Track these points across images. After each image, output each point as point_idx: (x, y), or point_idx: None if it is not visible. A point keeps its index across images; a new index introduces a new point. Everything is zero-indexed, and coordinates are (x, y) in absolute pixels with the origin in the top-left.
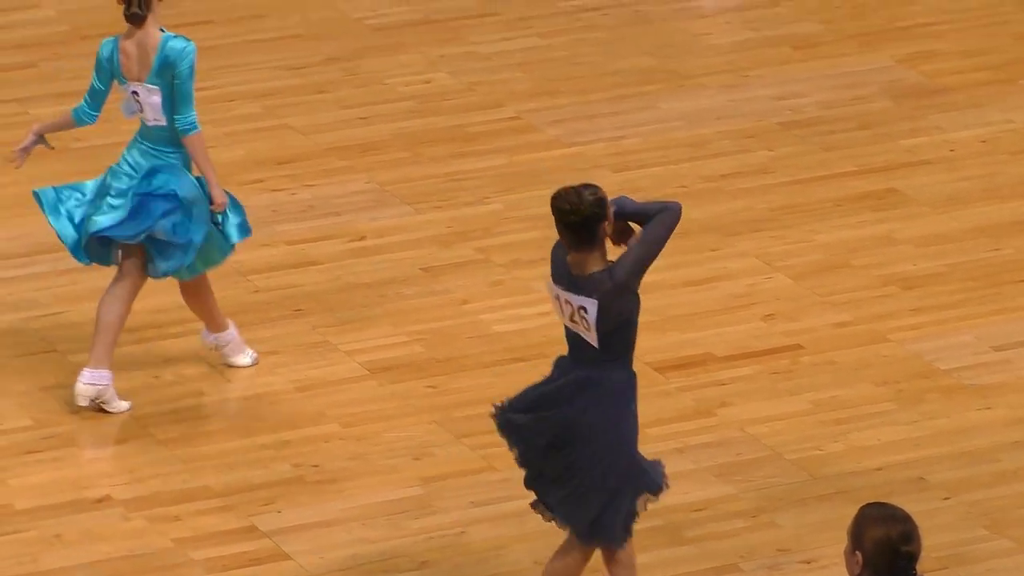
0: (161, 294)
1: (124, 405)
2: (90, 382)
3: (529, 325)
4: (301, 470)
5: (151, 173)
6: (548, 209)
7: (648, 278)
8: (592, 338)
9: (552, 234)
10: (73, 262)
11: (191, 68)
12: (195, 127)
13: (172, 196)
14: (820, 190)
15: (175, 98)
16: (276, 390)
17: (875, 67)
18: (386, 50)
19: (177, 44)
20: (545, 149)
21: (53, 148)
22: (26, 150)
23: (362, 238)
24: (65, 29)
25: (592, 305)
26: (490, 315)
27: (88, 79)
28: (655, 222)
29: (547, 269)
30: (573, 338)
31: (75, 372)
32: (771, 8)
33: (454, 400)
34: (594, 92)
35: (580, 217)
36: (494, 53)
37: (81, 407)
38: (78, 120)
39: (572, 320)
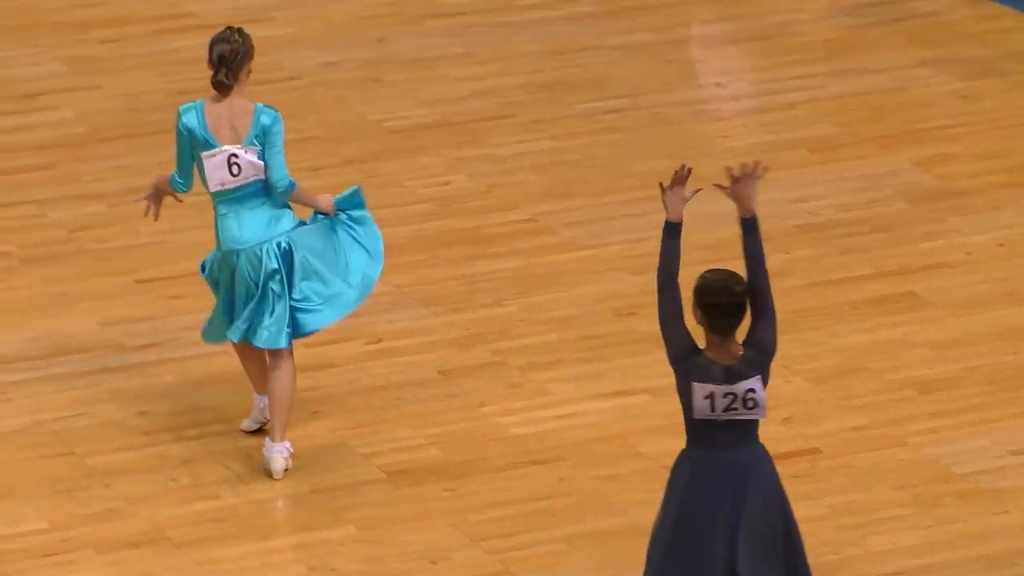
0: (176, 397)
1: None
2: (285, 454)
3: (546, 428)
4: (317, 573)
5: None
6: (564, 311)
7: (666, 379)
8: (760, 411)
9: (568, 336)
10: (89, 365)
11: (282, 134)
12: (292, 181)
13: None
14: (837, 293)
15: (271, 160)
16: (293, 492)
17: (892, 170)
18: (404, 152)
19: (271, 113)
20: (562, 251)
21: (181, 201)
22: (150, 198)
23: (379, 340)
24: (83, 131)
25: (758, 383)
26: (507, 418)
27: (105, 181)
28: (768, 291)
29: (563, 371)
30: (721, 426)
31: (92, 475)
32: (788, 111)
33: (471, 503)
34: (610, 194)
35: (741, 300)
36: (511, 155)
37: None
38: (173, 186)
39: (731, 408)
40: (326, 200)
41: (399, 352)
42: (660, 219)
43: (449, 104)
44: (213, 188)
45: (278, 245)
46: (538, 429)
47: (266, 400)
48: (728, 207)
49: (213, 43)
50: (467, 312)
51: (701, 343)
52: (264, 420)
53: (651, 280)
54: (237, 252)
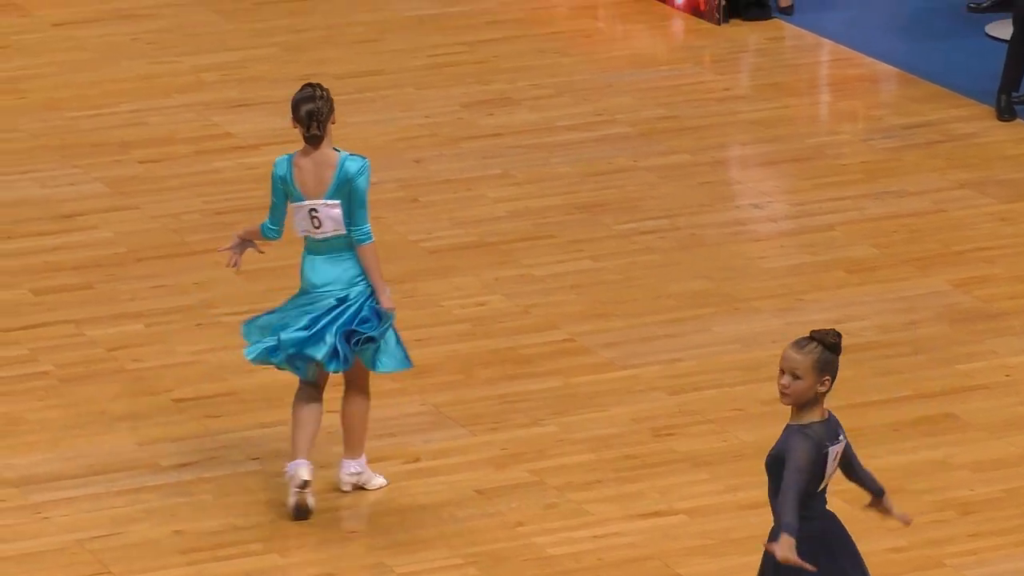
0: (213, 516)
1: (381, 480)
2: (355, 471)
3: (583, 548)
4: None
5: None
6: (602, 431)
7: (703, 500)
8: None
9: (605, 455)
10: (126, 484)
11: (368, 183)
12: (370, 237)
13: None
14: (876, 414)
15: (353, 211)
16: None
17: (931, 291)
18: (441, 272)
19: (356, 162)
20: (599, 371)
21: (263, 252)
22: (234, 248)
23: (417, 460)
24: (122, 251)
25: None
26: (544, 537)
27: (144, 300)
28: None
29: (601, 491)
30: (821, 491)
31: None
32: (826, 232)
33: None
34: (648, 315)
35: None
36: (548, 275)
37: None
38: (264, 234)
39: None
40: (388, 295)
41: (436, 471)
42: (698, 339)
43: (486, 224)
44: (300, 234)
45: (364, 283)
46: (575, 549)
47: (300, 465)
48: (764, 327)
49: (299, 103)
50: (504, 432)
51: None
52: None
53: (688, 400)
54: (320, 292)
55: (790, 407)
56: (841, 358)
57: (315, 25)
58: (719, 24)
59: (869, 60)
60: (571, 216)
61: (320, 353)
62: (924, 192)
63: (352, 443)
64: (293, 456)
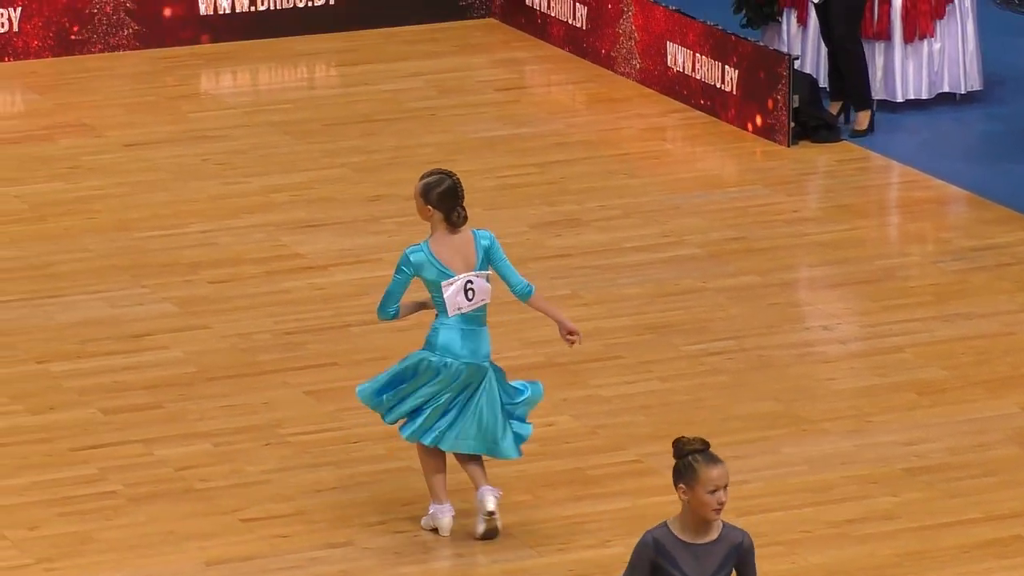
0: None
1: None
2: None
3: None
4: None
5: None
6: None
7: None
8: None
9: None
10: None
11: (502, 248)
12: (532, 287)
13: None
14: (946, 537)
15: (505, 273)
16: None
17: (1001, 414)
18: None
19: (486, 234)
20: (668, 493)
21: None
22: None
23: None
24: (191, 371)
25: None
26: None
27: (213, 420)
28: None
29: None
30: None
31: None
32: (895, 354)
33: None
34: (716, 436)
35: None
36: (616, 396)
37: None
38: (380, 315)
39: None
40: (568, 322)
41: None
42: (765, 461)
43: (555, 345)
44: (451, 313)
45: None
46: None
47: (443, 508)
48: (832, 449)
49: (430, 188)
50: (572, 553)
51: None
52: (434, 525)
53: (756, 522)
54: (464, 365)
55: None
56: (911, 480)
57: (385, 146)
58: (788, 146)
59: (938, 183)
60: (639, 337)
61: (512, 454)
62: (993, 314)
63: (480, 472)
64: (438, 501)
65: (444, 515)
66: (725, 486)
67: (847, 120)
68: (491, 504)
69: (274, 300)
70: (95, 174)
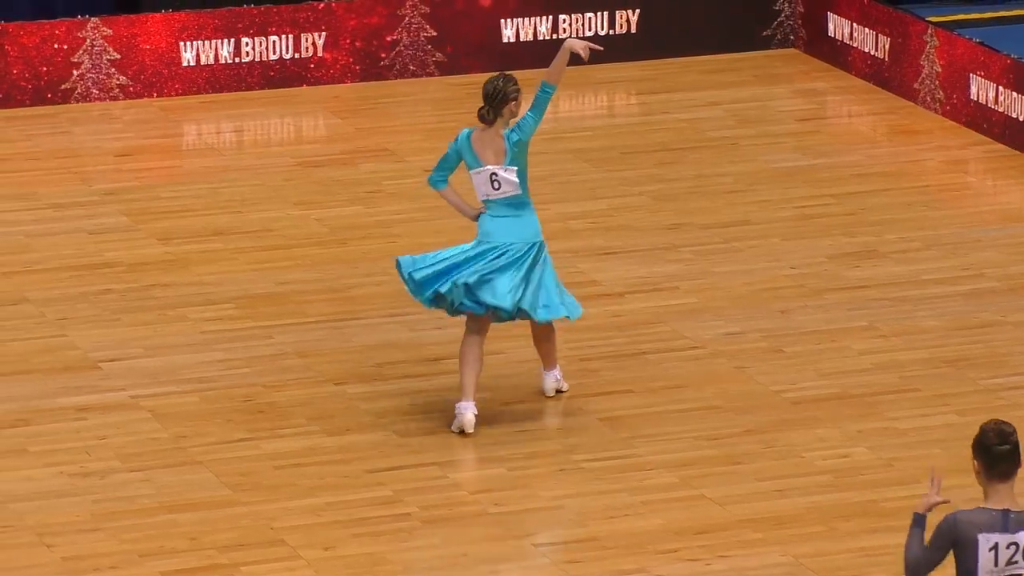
0: None
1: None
2: (557, 377)
3: None
4: None
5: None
6: None
7: None
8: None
9: None
10: None
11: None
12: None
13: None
14: None
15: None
16: None
17: None
18: (804, 423)
19: (514, 133)
20: None
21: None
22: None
23: None
24: (487, 396)
25: None
26: None
27: (508, 445)
28: None
29: None
30: None
31: None
32: None
33: None
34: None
35: (1015, 444)
36: (912, 429)
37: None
38: (433, 185)
39: (1012, 562)
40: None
41: None
42: None
43: (850, 376)
44: (480, 198)
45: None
46: None
47: (465, 405)
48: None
49: (485, 84)
50: None
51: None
52: (460, 425)
53: None
54: (509, 245)
55: None
56: None
57: (683, 175)
58: None
59: None
60: (937, 370)
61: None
62: None
63: (547, 358)
64: (463, 396)
65: (466, 411)
66: None
67: None
68: (550, 391)
69: (570, 326)
70: (396, 199)
